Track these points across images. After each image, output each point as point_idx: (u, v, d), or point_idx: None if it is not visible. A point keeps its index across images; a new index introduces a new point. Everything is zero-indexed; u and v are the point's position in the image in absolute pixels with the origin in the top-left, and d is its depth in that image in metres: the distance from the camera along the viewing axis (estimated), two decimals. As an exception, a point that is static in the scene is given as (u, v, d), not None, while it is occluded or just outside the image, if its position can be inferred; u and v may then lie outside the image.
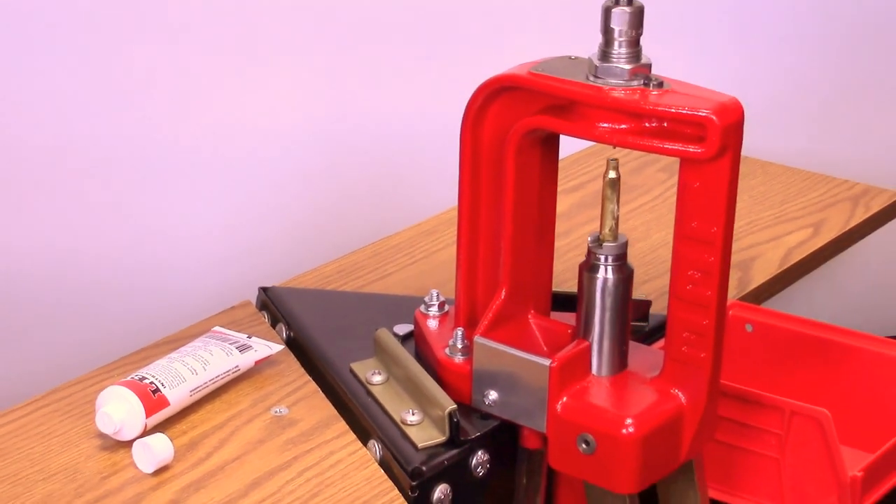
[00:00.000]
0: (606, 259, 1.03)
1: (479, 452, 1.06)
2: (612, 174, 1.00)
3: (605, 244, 1.02)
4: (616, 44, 0.98)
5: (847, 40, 1.88)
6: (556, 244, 1.11)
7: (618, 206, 1.02)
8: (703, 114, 0.93)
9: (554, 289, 1.12)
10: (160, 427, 1.09)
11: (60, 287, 1.65)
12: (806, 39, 1.87)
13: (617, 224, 1.02)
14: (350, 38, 1.68)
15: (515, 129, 1.03)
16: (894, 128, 1.93)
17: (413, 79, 1.72)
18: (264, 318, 1.27)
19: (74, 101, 1.58)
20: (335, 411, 1.13)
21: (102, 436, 1.08)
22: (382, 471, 1.05)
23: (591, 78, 0.98)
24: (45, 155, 1.59)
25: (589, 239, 1.04)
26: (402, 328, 1.18)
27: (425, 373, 1.10)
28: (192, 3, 1.61)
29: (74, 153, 1.60)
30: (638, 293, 1.09)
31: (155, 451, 1.04)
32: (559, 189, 1.09)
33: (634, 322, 1.08)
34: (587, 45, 1.00)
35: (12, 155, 1.57)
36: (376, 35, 1.69)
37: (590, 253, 1.03)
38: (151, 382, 1.09)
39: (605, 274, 1.03)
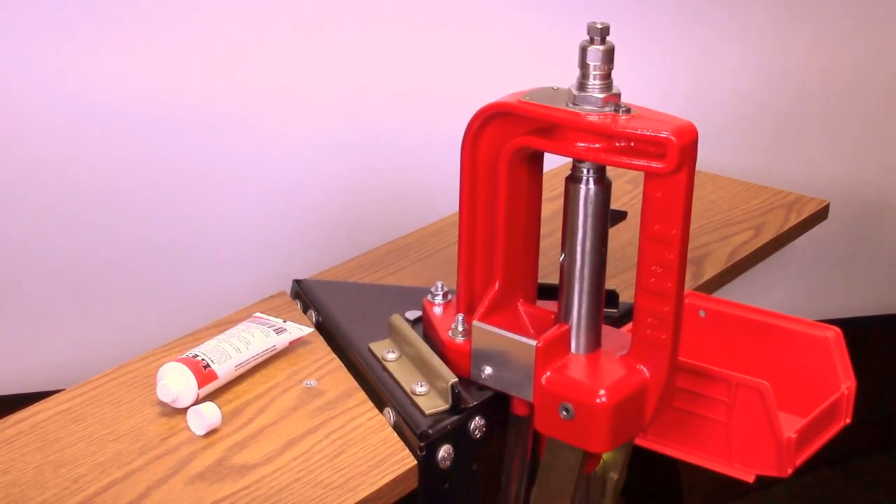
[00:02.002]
0: (588, 171, 1.00)
1: (477, 418, 1.05)
2: None
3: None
4: (591, 77, 0.97)
5: (783, 77, 1.88)
6: (541, 244, 1.10)
7: None
8: (664, 135, 0.92)
9: (539, 281, 1.11)
10: (210, 396, 1.08)
11: (128, 281, 1.65)
12: (753, 73, 1.86)
13: None
14: (374, 75, 1.68)
15: (507, 148, 1.02)
16: (819, 148, 1.93)
17: (422, 106, 1.72)
18: (297, 305, 1.27)
19: (140, 127, 1.58)
20: (356, 383, 1.12)
21: (162, 404, 1.07)
22: (396, 433, 1.05)
23: (571, 105, 0.97)
24: (106, 175, 1.60)
25: None
26: (413, 314, 1.18)
27: (431, 351, 1.09)
28: (239, 36, 1.61)
29: (136, 172, 1.61)
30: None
31: (206, 416, 1.04)
32: (543, 197, 1.08)
33: (606, 309, 1.07)
34: (567, 77, 1.00)
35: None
36: (393, 74, 1.69)
37: (574, 167, 1.01)
38: (203, 359, 1.08)
39: (588, 184, 1.00)
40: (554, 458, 1.03)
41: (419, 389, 1.07)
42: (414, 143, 1.72)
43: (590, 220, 1.01)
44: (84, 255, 1.61)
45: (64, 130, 1.56)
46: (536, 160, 1.05)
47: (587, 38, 0.97)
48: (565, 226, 1.02)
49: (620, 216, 1.09)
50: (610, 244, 1.03)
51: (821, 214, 1.57)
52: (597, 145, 0.96)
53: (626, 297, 1.19)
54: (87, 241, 1.61)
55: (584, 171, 1.00)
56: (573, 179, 1.01)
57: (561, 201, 1.03)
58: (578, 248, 1.02)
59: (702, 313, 1.18)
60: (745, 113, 1.88)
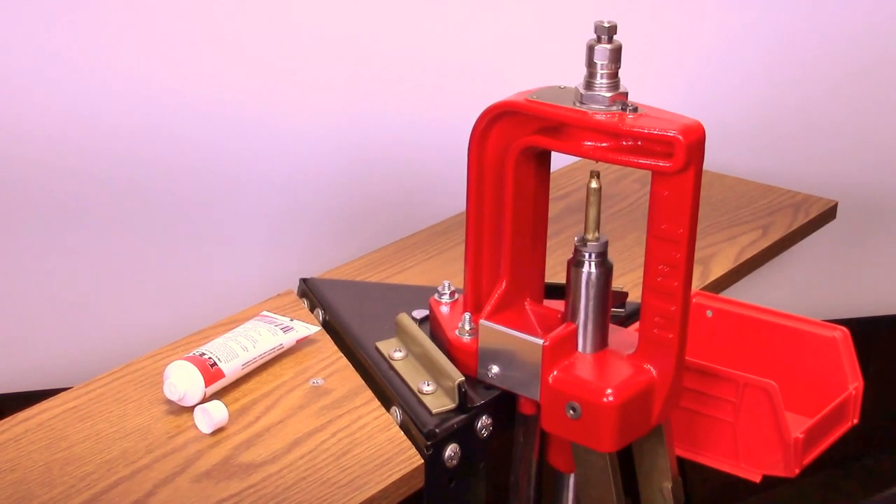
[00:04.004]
0: (590, 256, 1.02)
1: (484, 417, 1.05)
2: (594, 184, 0.99)
3: (588, 243, 1.01)
4: (598, 75, 0.97)
5: (791, 76, 1.87)
6: (548, 243, 1.10)
7: (599, 211, 1.01)
8: (671, 134, 0.92)
9: (546, 280, 1.11)
10: (217, 395, 1.08)
11: (134, 279, 1.65)
12: (759, 74, 1.86)
13: (598, 226, 1.01)
14: (381, 75, 1.68)
15: (514, 147, 1.02)
16: (827, 147, 1.93)
17: (430, 105, 1.72)
18: (304, 304, 1.26)
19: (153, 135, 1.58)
20: (363, 382, 1.12)
21: (169, 402, 1.07)
22: (402, 432, 1.05)
23: (578, 104, 0.97)
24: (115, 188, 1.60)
25: (575, 239, 1.02)
26: (420, 313, 1.17)
27: (438, 350, 1.09)
28: (253, 40, 1.61)
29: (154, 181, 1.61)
30: (616, 284, 1.08)
31: (213, 415, 1.04)
32: (551, 196, 1.08)
33: (613, 309, 1.07)
34: (574, 76, 1.00)
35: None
36: (401, 73, 1.69)
37: (576, 251, 1.02)
38: (210, 357, 1.08)
39: (589, 268, 1.02)
40: (586, 469, 1.03)
41: (426, 388, 1.07)
42: (422, 142, 1.72)
43: (591, 302, 1.02)
44: (89, 252, 1.61)
45: (64, 128, 1.56)
46: (543, 159, 1.05)
47: (594, 36, 0.97)
48: (567, 304, 1.03)
49: (621, 297, 1.12)
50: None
51: (828, 214, 1.56)
52: (604, 144, 0.96)
53: (634, 296, 1.19)
54: (92, 239, 1.61)
55: (586, 255, 1.01)
56: (575, 264, 1.02)
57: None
58: (581, 325, 1.03)
59: (709, 313, 1.18)
60: (752, 112, 1.87)
